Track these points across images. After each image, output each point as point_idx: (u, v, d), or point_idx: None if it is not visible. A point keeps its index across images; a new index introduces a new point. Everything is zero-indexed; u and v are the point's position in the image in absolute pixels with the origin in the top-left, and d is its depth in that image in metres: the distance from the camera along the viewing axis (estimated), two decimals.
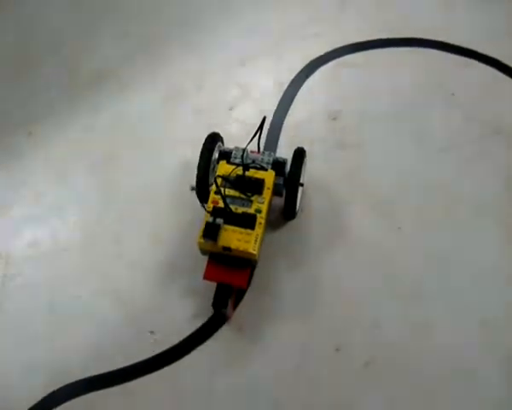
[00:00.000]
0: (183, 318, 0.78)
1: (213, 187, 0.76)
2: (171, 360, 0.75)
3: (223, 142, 0.85)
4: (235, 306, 0.79)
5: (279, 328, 0.77)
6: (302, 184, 0.82)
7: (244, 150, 0.80)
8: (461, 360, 0.75)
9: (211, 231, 0.72)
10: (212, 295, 0.75)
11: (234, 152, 0.80)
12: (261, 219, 0.74)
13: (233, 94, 0.97)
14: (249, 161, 0.79)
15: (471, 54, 1.00)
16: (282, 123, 0.94)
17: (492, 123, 0.93)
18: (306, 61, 0.98)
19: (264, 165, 0.79)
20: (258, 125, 0.80)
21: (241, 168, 0.77)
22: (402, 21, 0.95)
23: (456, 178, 0.88)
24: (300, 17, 1.03)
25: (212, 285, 0.75)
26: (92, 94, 0.98)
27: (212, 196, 0.76)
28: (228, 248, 0.73)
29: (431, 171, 0.89)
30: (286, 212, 0.82)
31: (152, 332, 0.77)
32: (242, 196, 0.76)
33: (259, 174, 0.77)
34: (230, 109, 0.95)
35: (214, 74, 0.99)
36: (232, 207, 0.75)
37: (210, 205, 0.75)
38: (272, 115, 0.94)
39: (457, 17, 1.06)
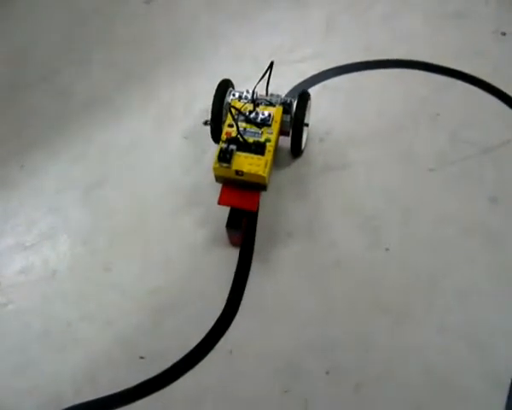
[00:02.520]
0: (173, 343, 0.78)
1: (226, 123, 0.85)
2: (162, 385, 0.76)
3: (233, 87, 0.93)
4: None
5: (267, 350, 0.77)
6: (307, 125, 0.91)
7: (254, 89, 0.88)
8: (450, 380, 0.75)
9: (225, 156, 0.80)
10: (203, 319, 0.77)
11: (245, 93, 0.88)
12: (270, 147, 0.82)
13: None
14: (258, 98, 0.88)
15: (454, 73, 1.02)
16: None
17: (477, 142, 0.94)
18: (293, 85, 1.00)
19: (270, 100, 0.88)
20: None
21: (251, 105, 0.86)
22: (386, 43, 0.97)
23: (443, 198, 0.89)
24: (287, 42, 1.04)
25: (201, 310, 0.76)
26: (83, 122, 1.00)
27: (226, 129, 0.84)
28: (240, 172, 0.80)
29: (418, 191, 0.90)
30: (292, 148, 0.91)
31: (142, 358, 0.77)
32: (253, 127, 0.84)
33: (268, 109, 0.86)
34: None
35: (202, 100, 1.00)
36: (248, 139, 0.83)
37: (224, 136, 0.83)
38: None
39: (440, 37, 1.08)
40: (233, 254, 0.84)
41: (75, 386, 0.76)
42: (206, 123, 0.85)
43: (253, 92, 0.88)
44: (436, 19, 1.11)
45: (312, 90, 0.99)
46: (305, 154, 0.94)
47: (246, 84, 0.91)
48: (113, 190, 0.92)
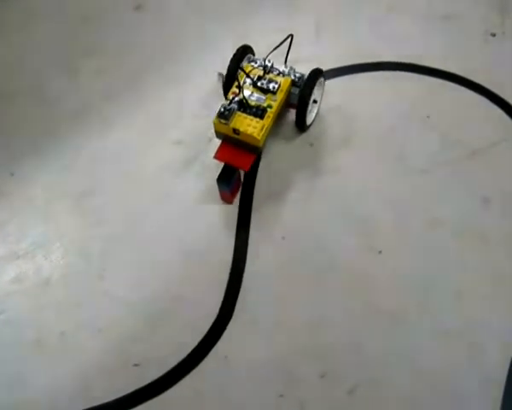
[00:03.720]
0: (168, 350, 0.78)
1: (235, 84, 0.88)
2: (157, 392, 0.75)
3: (253, 54, 0.97)
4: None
5: (262, 355, 0.77)
6: (316, 101, 0.94)
7: (267, 56, 0.91)
8: (445, 382, 0.75)
9: (225, 113, 0.84)
10: (197, 325, 0.78)
11: (261, 61, 0.92)
12: (271, 113, 0.86)
13: (211, 126, 0.97)
14: (270, 66, 0.91)
15: (444, 75, 1.03)
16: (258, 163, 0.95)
17: (469, 143, 0.94)
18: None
19: (282, 71, 0.91)
20: None
21: (262, 72, 0.90)
22: (375, 46, 0.97)
23: (435, 200, 0.89)
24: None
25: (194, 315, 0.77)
26: (73, 131, 0.99)
27: (233, 89, 0.88)
28: (237, 131, 0.84)
29: (410, 193, 0.90)
30: (297, 120, 0.93)
31: (136, 365, 0.77)
32: (259, 92, 0.88)
33: (277, 79, 0.89)
34: (210, 140, 0.96)
35: (193, 105, 1.01)
36: (250, 100, 0.86)
37: (229, 95, 0.87)
38: None
39: (429, 39, 1.09)
40: (227, 260, 0.84)
41: (69, 396, 0.76)
42: (219, 76, 0.90)
43: (265, 59, 0.91)
44: (425, 21, 1.12)
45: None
46: (293, 159, 0.94)
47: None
48: (104, 198, 0.92)
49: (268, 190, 0.91)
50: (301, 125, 0.95)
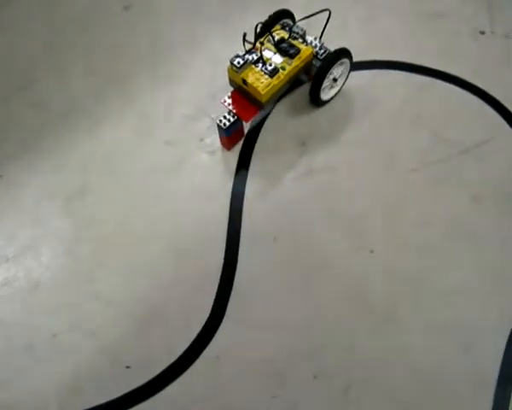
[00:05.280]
0: (159, 351, 0.78)
1: (259, 40, 0.92)
2: (149, 394, 0.75)
3: (294, 22, 0.99)
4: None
5: (254, 355, 0.77)
6: (335, 80, 0.96)
7: (294, 24, 0.96)
8: (437, 380, 0.75)
9: (239, 61, 0.87)
10: (189, 326, 0.78)
11: (293, 26, 0.95)
12: (282, 75, 0.88)
13: (204, 125, 0.98)
14: (299, 33, 0.94)
15: (434, 73, 1.03)
16: (251, 152, 0.95)
17: (459, 141, 0.95)
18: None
19: (310, 42, 0.94)
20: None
21: (287, 35, 0.93)
22: (365, 45, 0.97)
23: (426, 198, 0.89)
24: None
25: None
26: (63, 132, 0.99)
27: (257, 44, 0.91)
28: (245, 82, 0.87)
29: (401, 192, 0.90)
30: (311, 91, 0.95)
31: (128, 367, 0.77)
32: (278, 53, 0.91)
33: (299, 45, 0.92)
34: (201, 140, 0.96)
35: (183, 105, 1.00)
36: (266, 58, 0.90)
37: (250, 48, 0.90)
38: (242, 144, 0.96)
39: (419, 38, 1.09)
40: (218, 262, 0.84)
41: (60, 398, 0.75)
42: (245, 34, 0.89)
43: (291, 26, 0.95)
44: (414, 19, 1.12)
45: (293, 94, 1.00)
46: (285, 158, 0.94)
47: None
48: (94, 199, 0.92)
49: (259, 190, 0.90)
50: (315, 98, 0.96)
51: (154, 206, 0.90)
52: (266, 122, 0.98)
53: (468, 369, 0.75)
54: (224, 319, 0.79)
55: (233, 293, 0.81)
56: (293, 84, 0.95)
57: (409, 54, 1.05)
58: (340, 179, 0.91)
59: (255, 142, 0.96)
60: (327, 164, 0.93)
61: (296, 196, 0.90)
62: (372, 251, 0.84)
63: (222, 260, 0.84)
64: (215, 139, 0.96)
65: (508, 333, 0.78)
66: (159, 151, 0.96)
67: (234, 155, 0.95)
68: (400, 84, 1.02)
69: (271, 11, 0.95)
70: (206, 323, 0.79)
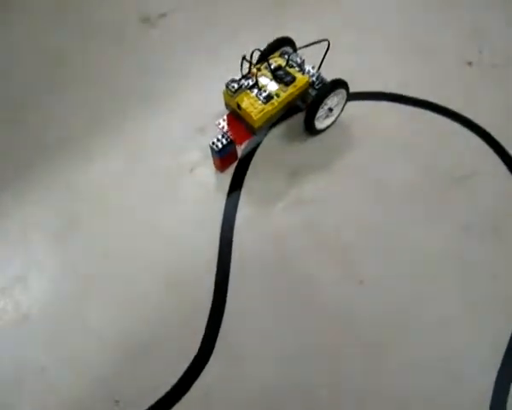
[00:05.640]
0: (148, 386, 0.77)
1: (257, 66, 0.93)
2: None
3: (295, 50, 1.00)
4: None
5: (243, 390, 0.76)
6: (331, 109, 0.93)
7: (291, 53, 0.96)
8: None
9: (234, 86, 0.89)
10: (178, 360, 0.78)
11: (292, 56, 0.96)
12: (276, 102, 0.90)
13: (194, 155, 0.98)
14: (297, 62, 0.94)
15: (423, 104, 1.04)
16: (243, 180, 0.95)
17: (449, 172, 0.95)
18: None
19: (307, 72, 0.94)
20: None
21: (284, 62, 0.94)
22: (354, 76, 0.97)
23: (416, 228, 0.89)
24: None
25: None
26: (55, 163, 0.99)
27: (253, 69, 0.92)
28: (239, 106, 0.88)
29: (391, 222, 0.90)
30: (305, 120, 0.96)
31: (117, 401, 0.76)
32: (274, 80, 0.92)
33: (295, 74, 0.93)
34: (191, 170, 0.96)
35: (174, 137, 1.01)
36: (261, 84, 0.91)
37: (247, 73, 0.91)
38: (233, 172, 0.96)
39: (408, 69, 1.11)
40: (208, 293, 0.84)
41: None
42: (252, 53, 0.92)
43: (289, 54, 0.96)
44: (403, 50, 1.14)
45: (282, 125, 1.01)
46: (277, 189, 0.94)
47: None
48: (83, 230, 0.92)
49: (249, 220, 0.91)
50: (309, 126, 0.97)
51: (143, 237, 0.90)
52: (259, 148, 1.00)
53: (457, 401, 0.75)
54: (213, 354, 0.79)
55: (222, 326, 0.81)
56: (290, 110, 0.97)
57: (398, 85, 1.06)
58: (330, 209, 0.92)
59: (247, 169, 0.97)
60: (317, 194, 0.93)
61: (286, 226, 0.90)
62: (362, 282, 0.84)
63: (212, 292, 0.84)
64: (205, 169, 0.96)
65: (498, 363, 0.77)
66: (149, 182, 0.96)
67: (224, 184, 0.95)
68: (390, 115, 1.03)
69: (260, 41, 0.95)
70: (195, 358, 0.79)
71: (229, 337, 0.80)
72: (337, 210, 0.92)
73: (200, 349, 0.79)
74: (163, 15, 1.24)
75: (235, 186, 0.95)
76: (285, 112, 0.94)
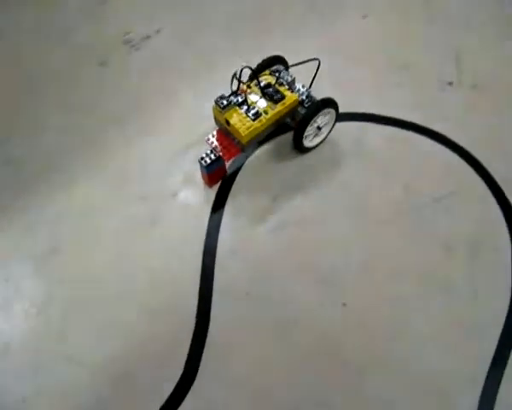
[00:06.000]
0: None
1: (248, 83, 0.95)
2: None
3: (287, 69, 1.02)
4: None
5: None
6: (320, 128, 0.98)
7: (281, 71, 0.98)
8: None
9: (223, 102, 0.90)
10: (161, 385, 0.77)
11: (283, 74, 0.98)
12: (264, 119, 0.91)
13: (176, 179, 0.99)
14: (286, 80, 0.97)
15: (404, 125, 1.05)
16: (225, 202, 0.96)
17: (430, 192, 0.96)
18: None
19: (298, 90, 0.97)
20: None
21: (274, 80, 0.96)
22: (335, 98, 0.98)
23: (398, 250, 0.90)
24: None
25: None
26: (37, 189, 0.99)
27: (243, 86, 0.94)
28: (228, 122, 0.89)
29: (373, 243, 0.91)
30: (293, 138, 0.98)
31: None
32: (263, 98, 0.93)
33: (285, 92, 0.94)
34: (174, 195, 0.96)
35: (157, 160, 1.01)
36: (250, 101, 0.92)
37: (237, 90, 0.93)
38: (215, 197, 0.96)
39: (388, 89, 1.12)
40: (191, 318, 0.83)
41: None
42: (243, 67, 0.92)
43: (280, 71, 0.97)
44: (383, 72, 1.15)
45: (265, 148, 1.01)
46: (260, 210, 0.94)
47: (202, 142, 0.95)
48: (66, 257, 0.91)
49: (232, 244, 0.91)
50: (297, 144, 0.98)
51: (126, 263, 0.90)
52: (244, 167, 1.01)
53: None
54: (197, 378, 0.79)
55: (206, 350, 0.81)
56: (280, 128, 0.99)
57: (378, 105, 1.07)
58: (313, 231, 0.92)
59: (230, 189, 0.98)
60: (300, 215, 0.94)
61: (269, 248, 0.90)
62: (345, 304, 0.84)
63: (194, 317, 0.84)
64: (188, 193, 0.97)
65: (482, 384, 0.77)
66: (132, 207, 0.96)
67: (207, 207, 0.95)
68: (370, 137, 1.04)
69: (241, 64, 0.96)
70: (179, 382, 0.78)
71: (214, 362, 0.80)
72: (320, 231, 0.92)
73: (183, 374, 0.79)
74: (147, 38, 1.25)
75: (218, 208, 0.95)
76: (274, 129, 0.96)
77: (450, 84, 1.12)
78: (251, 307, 0.85)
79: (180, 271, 0.88)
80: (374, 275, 0.87)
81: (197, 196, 0.97)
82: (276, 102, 0.93)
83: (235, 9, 1.30)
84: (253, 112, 0.91)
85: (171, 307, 0.85)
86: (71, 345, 0.83)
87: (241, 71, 0.92)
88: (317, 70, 0.97)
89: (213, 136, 0.94)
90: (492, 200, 0.95)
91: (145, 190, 0.98)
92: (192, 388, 0.78)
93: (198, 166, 0.94)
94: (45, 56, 1.22)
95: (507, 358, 0.79)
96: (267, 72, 0.98)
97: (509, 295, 0.85)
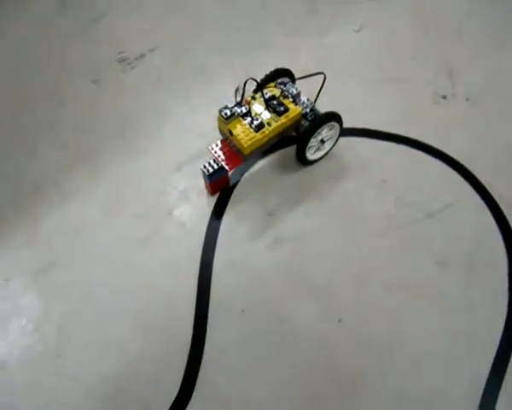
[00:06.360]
0: None
1: (253, 94, 0.96)
2: None
3: (293, 82, 1.03)
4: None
5: None
6: (323, 141, 0.99)
7: (287, 83, 0.99)
8: None
9: (227, 113, 0.91)
10: (156, 404, 0.77)
11: (289, 86, 0.98)
12: (267, 130, 0.91)
13: (172, 198, 0.99)
14: (292, 93, 0.97)
15: (398, 138, 1.05)
16: (220, 218, 0.96)
17: (423, 205, 0.96)
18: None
19: (302, 103, 0.98)
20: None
21: (279, 92, 0.97)
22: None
23: (393, 264, 0.90)
24: None
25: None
26: (31, 207, 0.99)
27: (248, 97, 0.95)
28: (231, 132, 0.90)
29: (368, 257, 0.91)
30: (296, 151, 0.99)
31: None
32: (267, 109, 0.94)
33: (289, 104, 0.95)
34: (169, 214, 0.96)
35: (152, 178, 1.02)
36: (254, 113, 0.93)
37: (242, 100, 0.94)
38: (210, 214, 0.96)
39: (381, 103, 1.13)
40: (187, 336, 0.83)
41: None
42: (237, 89, 0.95)
43: (285, 84, 0.98)
44: (376, 85, 1.16)
45: (259, 165, 1.02)
46: (253, 229, 0.95)
47: (196, 159, 0.96)
48: (62, 274, 0.91)
49: (228, 261, 0.91)
50: (300, 157, 0.99)
51: (122, 280, 0.90)
52: (242, 180, 1.01)
53: None
54: (193, 397, 0.78)
55: (202, 368, 0.80)
56: (287, 139, 1.00)
57: (371, 119, 1.08)
58: (309, 247, 0.92)
59: (227, 203, 0.98)
60: (296, 230, 0.94)
61: (264, 264, 0.90)
62: (340, 320, 0.84)
63: (190, 335, 0.83)
64: (183, 211, 0.97)
65: (479, 400, 0.77)
66: (127, 225, 0.96)
67: (203, 224, 0.95)
68: (364, 151, 1.04)
69: (236, 81, 0.97)
70: (175, 402, 0.78)
71: (210, 380, 0.80)
72: (317, 246, 0.92)
73: (179, 393, 0.78)
74: (142, 56, 1.25)
75: (214, 225, 0.95)
76: (280, 140, 0.97)
77: (444, 97, 1.13)
78: (247, 324, 0.84)
79: (176, 288, 0.88)
80: (368, 290, 0.87)
81: (192, 214, 0.97)
82: (279, 114, 0.93)
83: (230, 26, 1.31)
84: (256, 123, 0.91)
85: (167, 325, 0.85)
86: (66, 362, 0.82)
87: (246, 83, 0.92)
88: (323, 84, 0.98)
89: (217, 145, 0.95)
90: (487, 213, 0.95)
91: (140, 208, 0.98)
92: (187, 408, 0.78)
93: (192, 182, 0.95)
94: (39, 74, 1.22)
95: (504, 373, 0.79)
96: (272, 84, 0.99)
97: (505, 309, 0.85)
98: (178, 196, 0.99)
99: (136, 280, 0.90)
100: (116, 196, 1.00)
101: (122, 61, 1.24)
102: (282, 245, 0.92)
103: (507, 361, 0.80)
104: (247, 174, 1.02)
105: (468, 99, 1.12)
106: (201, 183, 0.99)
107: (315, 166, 1.02)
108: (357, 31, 1.28)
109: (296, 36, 1.27)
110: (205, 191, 0.99)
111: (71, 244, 0.95)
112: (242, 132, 0.91)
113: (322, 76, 0.97)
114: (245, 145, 0.90)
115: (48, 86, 1.19)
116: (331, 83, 0.98)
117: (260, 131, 0.91)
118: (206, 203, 0.98)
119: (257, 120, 0.92)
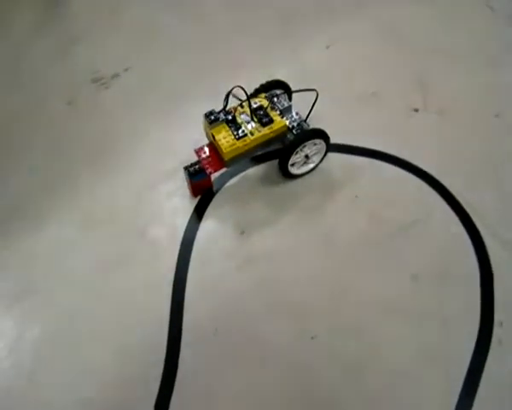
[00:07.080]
0: None
1: (242, 103, 0.97)
2: None
3: (289, 97, 1.04)
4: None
5: None
6: (307, 156, 1.00)
7: (279, 94, 1.01)
8: None
9: (211, 117, 0.94)
10: None
11: (282, 100, 1.00)
12: (248, 139, 0.92)
13: (146, 217, 0.99)
14: (282, 105, 0.99)
15: (370, 153, 1.06)
16: (193, 238, 0.96)
17: (397, 220, 0.96)
18: (214, 177, 1.01)
19: (290, 117, 0.99)
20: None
21: (267, 104, 0.97)
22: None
23: (366, 280, 0.90)
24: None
25: None
26: (6, 230, 0.99)
27: (236, 105, 0.97)
28: (214, 137, 0.92)
29: (341, 274, 0.91)
30: (279, 162, 0.99)
31: None
32: (253, 119, 0.95)
33: (275, 116, 0.96)
34: (143, 234, 0.96)
35: (127, 199, 1.02)
36: (239, 121, 0.95)
37: (229, 108, 0.96)
38: (184, 231, 0.96)
39: (353, 118, 1.13)
40: (159, 359, 0.83)
41: None
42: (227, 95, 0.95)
43: (272, 96, 1.00)
44: (348, 100, 1.16)
45: (232, 182, 1.02)
46: (226, 248, 0.94)
47: (170, 178, 0.97)
48: (38, 298, 0.90)
49: (200, 283, 0.90)
50: (282, 169, 0.99)
51: (96, 304, 0.89)
52: (219, 193, 1.02)
53: None
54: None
55: (175, 390, 0.80)
56: (277, 152, 1.01)
57: (343, 135, 1.08)
58: (282, 265, 0.92)
59: (201, 219, 0.98)
60: (269, 249, 0.94)
61: (237, 284, 0.90)
62: (313, 337, 0.84)
63: (163, 358, 0.83)
64: (156, 230, 0.97)
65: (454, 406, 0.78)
66: (102, 247, 0.96)
67: (176, 245, 0.95)
68: (336, 167, 1.04)
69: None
70: None
71: (183, 401, 0.79)
72: (289, 264, 0.92)
73: None
74: (116, 76, 1.25)
75: (188, 244, 0.95)
76: (268, 151, 0.99)
77: (416, 110, 1.14)
78: (220, 345, 0.84)
79: (150, 309, 0.88)
80: (342, 306, 0.87)
81: (166, 233, 0.97)
82: (264, 125, 0.94)
83: (204, 46, 1.32)
84: (238, 131, 0.93)
85: (142, 347, 0.84)
86: (42, 387, 0.82)
87: (231, 90, 0.94)
88: (315, 102, 0.99)
89: (202, 148, 0.97)
90: (460, 226, 0.96)
91: (115, 230, 0.98)
92: None
93: (167, 201, 0.96)
94: (11, 96, 1.22)
95: (476, 386, 0.79)
96: (263, 94, 1.00)
97: (478, 322, 0.85)
98: (152, 216, 0.99)
99: (109, 303, 0.89)
100: (91, 219, 0.99)
101: (96, 81, 1.24)
102: (254, 264, 0.92)
103: (480, 375, 0.80)
104: (228, 183, 1.03)
105: (440, 112, 1.13)
106: (175, 201, 0.99)
107: (293, 181, 1.02)
108: (328, 47, 1.29)
109: (268, 54, 1.28)
110: (179, 210, 0.99)
111: (45, 268, 0.94)
112: (224, 138, 0.92)
113: (316, 93, 0.99)
114: (224, 151, 0.91)
115: (22, 109, 1.19)
116: (303, 99, 0.99)
117: (241, 140, 0.92)
118: (181, 223, 0.98)
119: (240, 128, 0.93)
